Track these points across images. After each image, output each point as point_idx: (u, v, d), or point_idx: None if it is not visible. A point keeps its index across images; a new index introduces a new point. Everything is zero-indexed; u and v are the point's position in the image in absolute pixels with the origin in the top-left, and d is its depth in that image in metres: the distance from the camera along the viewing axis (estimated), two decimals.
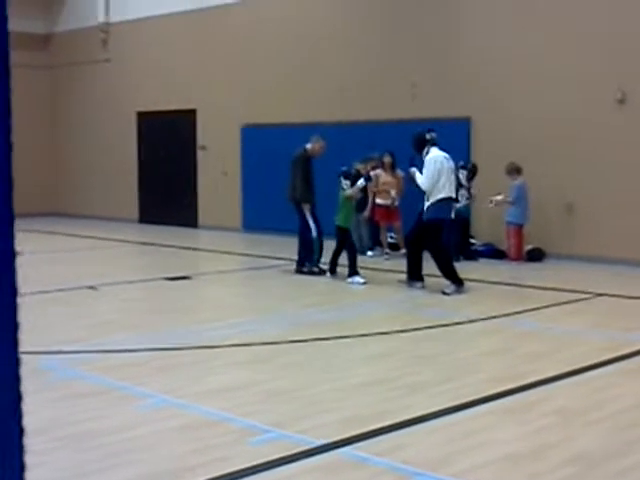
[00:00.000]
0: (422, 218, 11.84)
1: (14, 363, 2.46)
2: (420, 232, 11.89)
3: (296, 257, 13.50)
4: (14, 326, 2.46)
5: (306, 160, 13.30)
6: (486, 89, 15.53)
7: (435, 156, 11.71)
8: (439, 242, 11.84)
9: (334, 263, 12.90)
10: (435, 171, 11.60)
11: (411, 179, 12.10)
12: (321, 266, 13.19)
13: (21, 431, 2.45)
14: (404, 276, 12.18)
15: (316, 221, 13.24)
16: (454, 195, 12.24)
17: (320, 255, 13.24)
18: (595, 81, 14.21)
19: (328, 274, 12.90)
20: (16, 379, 2.45)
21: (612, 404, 6.51)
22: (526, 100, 15.05)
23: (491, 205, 14.71)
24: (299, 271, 13.26)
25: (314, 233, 13.16)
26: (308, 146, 13.40)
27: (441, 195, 11.66)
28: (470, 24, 15.82)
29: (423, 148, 11.85)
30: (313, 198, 13.35)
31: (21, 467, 2.42)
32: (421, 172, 11.76)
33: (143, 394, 6.75)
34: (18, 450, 2.42)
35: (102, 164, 23.41)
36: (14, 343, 2.45)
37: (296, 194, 13.27)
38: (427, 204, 11.72)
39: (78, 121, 24.12)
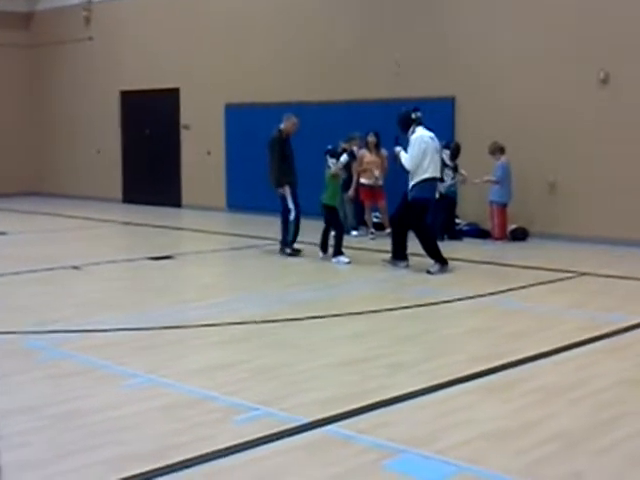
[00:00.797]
0: (407, 198, 11.86)
1: None
2: (405, 212, 11.91)
3: (280, 237, 13.50)
4: None
5: (283, 141, 13.19)
6: (470, 69, 15.52)
7: (420, 136, 11.72)
8: (423, 222, 11.88)
9: (325, 242, 12.88)
10: (420, 151, 11.60)
11: (396, 158, 12.11)
12: (295, 247, 13.19)
13: None
14: (389, 255, 12.20)
15: (296, 203, 13.20)
16: (439, 175, 12.27)
17: (295, 237, 13.21)
18: (578, 61, 14.23)
19: (320, 254, 12.83)
20: None
21: (594, 382, 6.56)
22: (510, 80, 15.06)
23: (477, 181, 14.74)
24: (283, 251, 13.26)
25: (292, 215, 13.11)
26: (282, 126, 13.29)
27: (426, 175, 11.67)
28: (454, 3, 15.79)
29: (408, 127, 11.85)
30: (293, 178, 13.27)
31: None
32: (406, 151, 11.78)
33: (127, 373, 6.76)
34: None
35: (85, 144, 23.29)
36: None
37: (273, 177, 13.21)
38: (412, 184, 11.74)
39: (61, 100, 23.96)
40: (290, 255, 13.02)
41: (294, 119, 13.27)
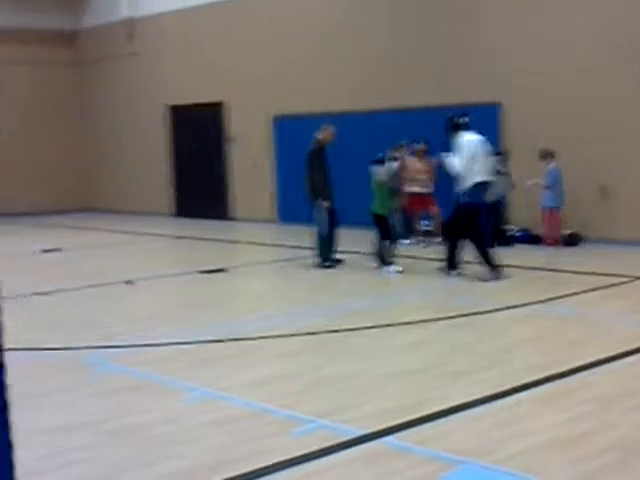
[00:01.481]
0: (457, 203, 11.82)
1: None
2: (457, 218, 11.86)
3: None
4: None
5: (320, 151, 13.15)
6: (515, 73, 15.41)
7: (469, 140, 11.70)
8: (476, 227, 11.79)
9: (379, 252, 12.73)
10: (469, 154, 11.58)
11: (442, 165, 12.09)
12: (336, 257, 13.14)
13: (9, 444, 2.43)
14: (442, 264, 12.13)
15: (332, 216, 13.07)
16: (489, 179, 12.17)
17: (330, 250, 13.12)
18: (624, 61, 14.06)
19: (375, 263, 12.64)
20: (1, 386, 2.44)
21: None
22: (555, 82, 14.92)
23: (527, 184, 14.62)
24: (321, 264, 13.14)
25: (324, 230, 13.05)
26: (319, 136, 13.25)
27: (476, 179, 11.63)
28: (498, 9, 15.70)
29: (455, 132, 11.83)
30: (330, 190, 13.12)
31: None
32: (454, 156, 11.75)
33: (185, 387, 6.82)
34: (7, 463, 2.41)
35: (135, 159, 23.54)
36: None
37: (311, 189, 13.06)
38: (462, 188, 11.69)
39: (109, 116, 24.25)
40: (326, 267, 12.96)
41: (331, 128, 13.27)
